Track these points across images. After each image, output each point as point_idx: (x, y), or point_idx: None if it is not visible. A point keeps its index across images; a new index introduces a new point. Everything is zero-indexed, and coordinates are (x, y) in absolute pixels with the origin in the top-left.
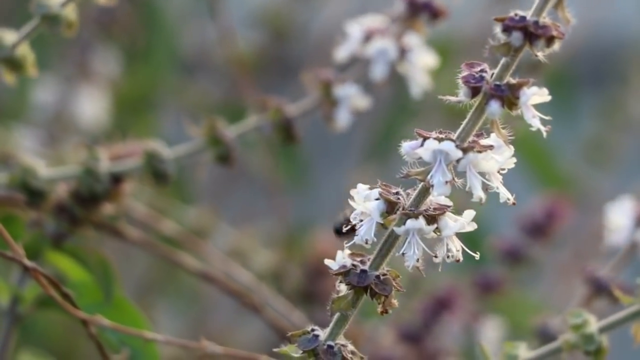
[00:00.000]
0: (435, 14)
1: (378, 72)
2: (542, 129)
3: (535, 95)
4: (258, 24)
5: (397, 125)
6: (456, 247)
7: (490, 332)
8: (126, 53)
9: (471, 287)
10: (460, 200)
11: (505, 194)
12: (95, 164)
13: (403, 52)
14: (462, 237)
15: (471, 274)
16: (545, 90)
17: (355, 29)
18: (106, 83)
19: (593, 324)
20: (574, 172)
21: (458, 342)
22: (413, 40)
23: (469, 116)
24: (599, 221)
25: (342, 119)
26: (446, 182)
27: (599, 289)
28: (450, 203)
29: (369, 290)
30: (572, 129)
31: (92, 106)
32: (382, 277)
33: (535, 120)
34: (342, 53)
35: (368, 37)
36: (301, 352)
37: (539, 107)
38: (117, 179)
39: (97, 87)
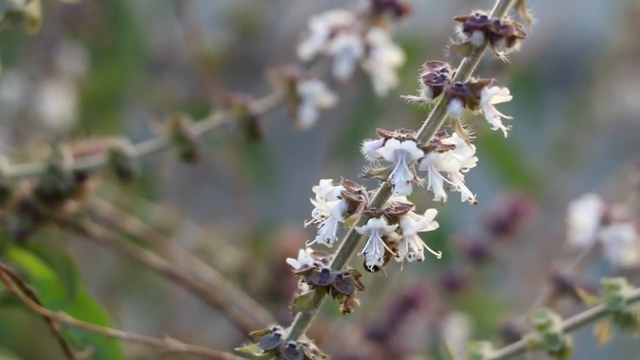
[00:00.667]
0: (399, 11)
1: (343, 69)
2: (503, 128)
3: (496, 94)
4: (226, 23)
5: (364, 124)
6: (418, 247)
7: (456, 330)
8: (92, 51)
9: (437, 286)
10: (425, 200)
11: (466, 194)
12: (59, 161)
13: (368, 49)
14: (428, 235)
15: (437, 272)
16: (506, 90)
17: (320, 26)
18: (72, 81)
19: (557, 324)
20: (540, 172)
21: (423, 341)
22: (378, 37)
23: (430, 116)
24: (564, 221)
25: (307, 116)
26: (407, 181)
27: (563, 288)
28: (411, 203)
29: (330, 290)
30: (539, 130)
31: (57, 104)
32: (344, 277)
33: (496, 120)
34: (306, 50)
35: (333, 34)
36: (263, 351)
37: (504, 107)
38: (81, 176)
39: (62, 85)
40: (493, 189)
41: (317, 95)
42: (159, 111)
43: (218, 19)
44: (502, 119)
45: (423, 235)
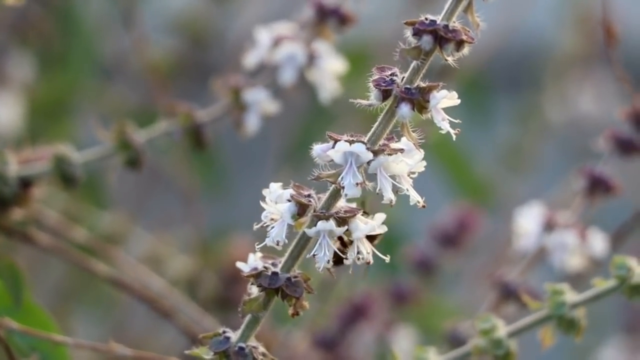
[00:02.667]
0: (343, 20)
1: (287, 77)
2: (452, 132)
3: (445, 98)
4: (175, 30)
5: (314, 130)
6: (366, 250)
7: (403, 341)
8: (42, 58)
9: (385, 297)
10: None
11: (415, 197)
12: (3, 167)
13: (312, 58)
14: (381, 242)
15: (386, 281)
16: (454, 94)
17: (264, 35)
18: (21, 88)
19: (501, 329)
20: (490, 177)
21: (371, 352)
22: (321, 46)
23: (379, 119)
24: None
25: (252, 124)
26: (357, 184)
27: (508, 294)
28: (360, 207)
29: (280, 292)
30: (488, 134)
31: (6, 111)
32: (293, 279)
33: (444, 124)
34: (251, 59)
35: (277, 43)
36: (212, 353)
37: (453, 111)
38: (26, 183)
39: (12, 93)
40: (444, 194)
41: (261, 103)
42: (108, 118)
43: (168, 26)
44: (451, 123)
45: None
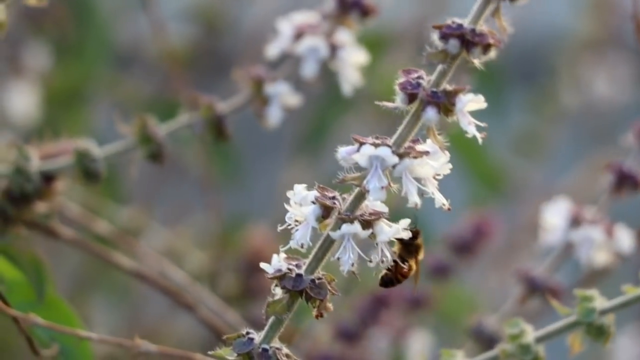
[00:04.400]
0: (365, 12)
1: (309, 69)
2: (478, 135)
3: (471, 102)
4: (191, 18)
5: (329, 119)
6: (391, 253)
7: (418, 343)
8: (58, 47)
9: (401, 302)
10: (396, 204)
11: (440, 200)
12: (25, 163)
13: (334, 50)
14: None
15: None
16: (481, 97)
17: (286, 26)
18: (37, 77)
19: (530, 334)
20: (505, 164)
21: (387, 354)
22: (343, 37)
23: (405, 122)
24: (529, 213)
25: (274, 116)
26: (382, 187)
27: (533, 290)
28: (385, 209)
29: (304, 294)
30: (503, 123)
31: (23, 101)
32: (317, 281)
33: (471, 127)
34: (273, 50)
35: (299, 34)
36: (236, 355)
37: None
38: (48, 178)
39: (28, 82)
40: (460, 182)
41: (283, 95)
42: (125, 107)
43: (183, 14)
44: (477, 126)
45: None
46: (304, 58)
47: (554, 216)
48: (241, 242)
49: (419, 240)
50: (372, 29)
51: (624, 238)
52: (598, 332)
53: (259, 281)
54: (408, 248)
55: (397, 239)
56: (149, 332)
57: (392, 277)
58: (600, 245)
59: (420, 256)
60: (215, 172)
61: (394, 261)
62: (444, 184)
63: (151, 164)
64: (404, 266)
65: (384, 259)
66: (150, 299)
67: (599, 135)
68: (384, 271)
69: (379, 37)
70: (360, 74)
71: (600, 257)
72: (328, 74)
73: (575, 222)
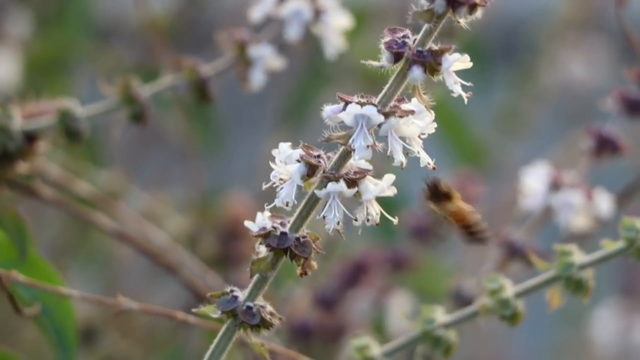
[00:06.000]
0: None
1: (293, 32)
2: (464, 95)
3: (457, 61)
4: None
5: (311, 90)
6: (375, 211)
7: (399, 305)
8: (40, 16)
9: (382, 262)
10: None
11: (425, 159)
12: (8, 121)
13: (318, 13)
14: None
15: (383, 246)
16: (466, 57)
17: None
18: (19, 45)
19: (509, 289)
20: (487, 140)
21: (367, 316)
22: (327, 1)
23: (390, 81)
24: (511, 189)
25: (257, 79)
26: (367, 146)
27: (514, 253)
28: (370, 167)
29: (288, 252)
30: (485, 100)
31: (4, 68)
32: (301, 240)
33: (457, 87)
34: (256, 13)
35: None
36: (220, 312)
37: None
38: (30, 137)
39: (9, 50)
40: (442, 157)
41: (266, 58)
42: (107, 76)
43: None
44: (462, 86)
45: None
46: (288, 21)
47: (534, 180)
48: (221, 210)
49: (443, 187)
50: (356, 2)
51: (604, 202)
52: (577, 286)
53: (237, 248)
54: (439, 200)
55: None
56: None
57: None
58: (579, 209)
59: (457, 197)
60: (196, 141)
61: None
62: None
63: (134, 125)
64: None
65: (369, 217)
66: (130, 267)
67: (578, 115)
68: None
69: (362, 10)
70: (344, 42)
71: (580, 221)
72: (309, 46)
73: (555, 186)
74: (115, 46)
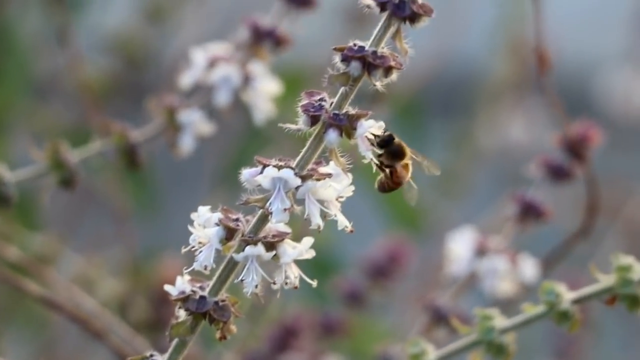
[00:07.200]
0: (278, 42)
1: (222, 98)
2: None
3: (372, 127)
4: (111, 50)
5: (249, 151)
6: (294, 274)
7: None
8: None
9: (314, 326)
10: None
11: (343, 222)
12: None
13: (247, 80)
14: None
15: (315, 309)
16: (382, 124)
17: (199, 55)
18: None
19: (431, 353)
20: (423, 201)
21: None
22: (256, 67)
23: (308, 144)
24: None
25: (186, 144)
26: (285, 209)
27: (438, 318)
28: (289, 230)
29: (207, 316)
30: None
31: None
32: (220, 303)
33: (368, 153)
34: (186, 80)
35: (212, 64)
36: None
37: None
38: None
39: None
40: (377, 218)
41: (195, 123)
42: (42, 137)
43: (103, 46)
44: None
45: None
46: (216, 87)
47: (459, 246)
48: (153, 273)
49: (398, 142)
50: (292, 64)
51: (528, 268)
52: (498, 351)
53: (169, 312)
54: (392, 152)
55: (377, 146)
56: None
57: (388, 183)
58: (504, 275)
59: (408, 159)
60: (130, 203)
61: (389, 168)
62: (361, 219)
63: (63, 190)
64: (399, 172)
65: (288, 280)
66: (65, 332)
67: (516, 176)
68: (380, 177)
69: (299, 73)
70: (278, 108)
71: (505, 287)
72: (247, 108)
73: (480, 252)
74: (52, 106)
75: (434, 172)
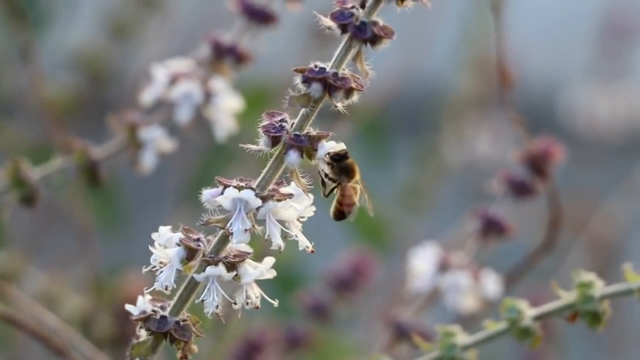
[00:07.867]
0: (240, 59)
1: (183, 115)
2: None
3: (333, 148)
4: (74, 67)
5: (213, 168)
6: (255, 294)
7: None
8: None
9: (279, 341)
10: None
11: (304, 242)
12: None
13: (208, 96)
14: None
15: (280, 324)
16: (342, 145)
17: (160, 72)
18: None
19: None
20: (388, 217)
21: None
22: (218, 84)
23: (269, 165)
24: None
25: (148, 161)
26: (245, 230)
27: (401, 334)
28: (250, 250)
29: (168, 336)
30: (387, 175)
31: None
32: (182, 323)
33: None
34: (147, 96)
35: (174, 80)
36: None
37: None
38: None
39: None
40: (342, 234)
41: (157, 140)
42: (4, 154)
43: (66, 63)
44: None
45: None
46: (178, 104)
47: (422, 262)
48: (117, 290)
49: (351, 161)
50: (256, 81)
51: (491, 283)
52: None
53: (132, 329)
54: (341, 168)
55: (327, 162)
56: None
57: (340, 209)
58: (466, 290)
59: (357, 176)
60: (94, 220)
61: (333, 182)
62: (326, 236)
63: (24, 207)
64: (346, 190)
65: (249, 300)
66: (29, 349)
67: (481, 192)
68: (334, 204)
69: (263, 89)
70: (241, 124)
71: (467, 303)
72: (209, 124)
73: (443, 267)
74: (16, 124)
75: (369, 211)
